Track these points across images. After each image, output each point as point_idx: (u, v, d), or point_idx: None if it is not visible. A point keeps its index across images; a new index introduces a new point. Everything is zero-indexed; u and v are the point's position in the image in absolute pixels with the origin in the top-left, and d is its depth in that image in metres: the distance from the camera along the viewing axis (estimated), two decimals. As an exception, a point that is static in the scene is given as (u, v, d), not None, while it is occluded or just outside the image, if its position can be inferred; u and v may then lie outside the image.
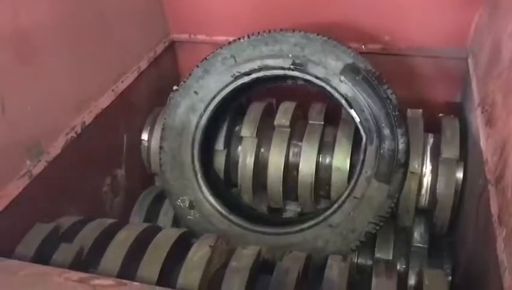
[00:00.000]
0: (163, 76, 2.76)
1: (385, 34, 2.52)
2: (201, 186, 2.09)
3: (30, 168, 1.73)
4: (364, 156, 1.93)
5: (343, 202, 1.95)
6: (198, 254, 1.33)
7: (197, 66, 2.12)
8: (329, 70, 1.95)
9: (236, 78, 2.06)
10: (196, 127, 2.11)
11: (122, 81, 2.30)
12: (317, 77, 1.98)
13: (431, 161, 2.12)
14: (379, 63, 2.56)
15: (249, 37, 2.02)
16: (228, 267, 1.33)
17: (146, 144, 2.50)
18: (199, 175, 2.10)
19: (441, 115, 2.25)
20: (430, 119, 2.24)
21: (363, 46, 2.57)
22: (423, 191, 2.13)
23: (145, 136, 2.51)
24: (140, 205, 2.40)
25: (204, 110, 2.11)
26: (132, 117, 2.45)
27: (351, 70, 1.92)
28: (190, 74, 2.13)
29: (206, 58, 2.11)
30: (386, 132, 1.90)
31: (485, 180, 1.65)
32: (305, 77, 2.01)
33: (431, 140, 2.18)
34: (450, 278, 2.01)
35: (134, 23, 2.45)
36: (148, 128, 2.51)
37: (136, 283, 1.08)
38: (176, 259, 1.37)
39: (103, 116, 2.14)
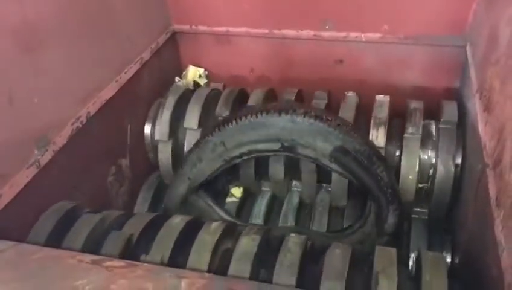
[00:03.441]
0: (166, 67, 2.79)
1: (384, 22, 2.54)
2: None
3: (38, 157, 1.77)
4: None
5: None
6: (207, 237, 1.37)
7: (190, 152, 2.12)
8: (318, 152, 1.93)
9: (227, 162, 2.07)
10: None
11: (125, 72, 2.33)
12: (307, 157, 1.98)
13: (430, 147, 2.16)
14: (378, 51, 2.63)
15: (236, 122, 1.95)
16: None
17: (149, 135, 2.54)
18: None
19: (440, 101, 2.28)
20: (429, 106, 2.27)
21: (362, 35, 2.60)
22: (422, 177, 2.17)
23: (148, 127, 2.54)
24: (146, 193, 2.45)
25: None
26: (135, 108, 2.48)
27: (340, 153, 1.89)
28: (185, 162, 2.14)
29: (198, 144, 2.09)
30: (378, 209, 1.95)
31: (483, 164, 1.68)
32: (296, 157, 2.02)
33: (429, 127, 2.21)
34: (449, 260, 2.06)
35: (137, 15, 2.47)
36: (152, 118, 2.54)
37: (146, 264, 1.12)
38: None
39: (107, 106, 2.17)
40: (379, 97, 2.28)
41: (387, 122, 2.17)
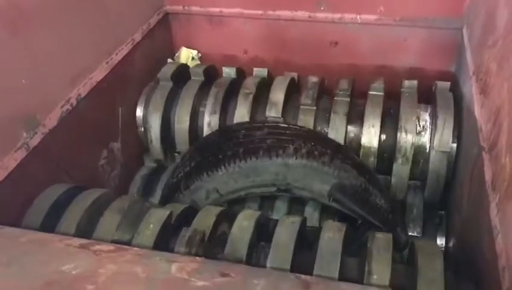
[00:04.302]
0: (158, 48, 2.74)
1: (380, 4, 2.51)
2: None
3: (27, 140, 1.73)
4: None
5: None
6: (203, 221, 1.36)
7: (178, 191, 1.97)
8: (315, 193, 1.86)
9: (224, 205, 1.98)
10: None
11: (116, 54, 2.28)
12: (306, 197, 1.93)
13: (425, 131, 2.14)
14: (374, 33, 2.59)
15: (226, 168, 1.83)
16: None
17: (141, 118, 2.50)
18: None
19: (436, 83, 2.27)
20: (425, 88, 2.25)
21: (358, 17, 2.56)
22: (417, 161, 2.15)
23: (140, 110, 2.50)
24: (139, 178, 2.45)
25: None
26: (127, 90, 2.44)
27: (337, 191, 1.81)
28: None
29: (186, 183, 1.93)
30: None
31: (479, 147, 1.67)
32: (293, 197, 1.97)
33: (425, 110, 2.19)
34: (443, 246, 2.05)
35: (128, -5, 2.42)
36: (143, 101, 2.50)
37: (135, 248, 1.10)
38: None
39: (98, 89, 2.13)
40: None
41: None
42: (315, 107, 2.22)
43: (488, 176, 1.52)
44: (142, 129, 2.50)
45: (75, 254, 1.04)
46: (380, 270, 1.28)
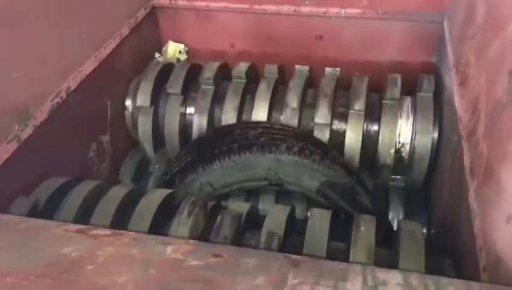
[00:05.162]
0: (145, 42, 2.77)
1: (364, -2, 2.57)
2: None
3: (18, 132, 1.76)
4: None
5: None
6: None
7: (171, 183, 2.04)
8: (305, 188, 1.95)
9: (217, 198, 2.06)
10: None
11: (105, 47, 2.31)
12: (296, 191, 2.01)
13: (407, 121, 2.21)
14: (357, 27, 2.65)
15: (221, 163, 1.91)
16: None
17: (130, 111, 2.53)
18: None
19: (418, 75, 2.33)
20: (408, 80, 2.32)
21: (342, 11, 2.62)
22: (400, 150, 2.22)
23: (128, 103, 2.53)
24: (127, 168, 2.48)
25: None
26: (115, 83, 2.47)
27: (326, 188, 1.91)
28: None
29: (182, 177, 2.00)
30: None
31: (459, 136, 1.73)
32: (284, 189, 2.04)
33: (408, 101, 2.26)
34: (425, 229, 2.13)
35: (115, -11, 2.44)
36: (132, 94, 2.52)
37: (131, 233, 1.14)
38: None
39: (87, 82, 2.16)
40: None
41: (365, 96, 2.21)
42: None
43: (467, 162, 1.59)
44: (131, 124, 2.53)
45: (74, 238, 1.08)
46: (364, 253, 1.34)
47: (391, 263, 1.30)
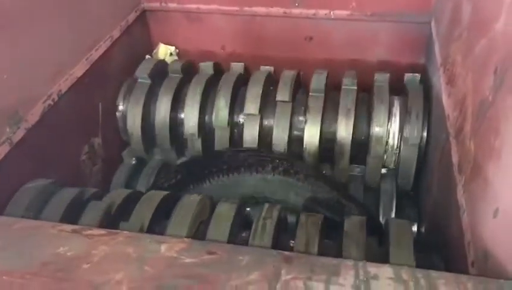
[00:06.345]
0: (136, 45, 2.78)
1: (352, 0, 2.59)
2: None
3: (10, 135, 1.76)
4: None
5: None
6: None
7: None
8: (291, 204, 1.99)
9: None
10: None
11: (95, 50, 2.32)
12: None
13: (396, 122, 2.24)
14: (346, 28, 2.68)
15: (210, 182, 2.07)
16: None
17: (121, 113, 2.54)
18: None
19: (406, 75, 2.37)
20: (396, 80, 2.35)
21: (331, 13, 2.65)
22: (389, 151, 2.25)
23: (119, 106, 2.54)
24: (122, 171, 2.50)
25: None
26: (106, 86, 2.47)
27: (312, 204, 1.96)
28: None
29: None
30: None
31: (447, 134, 1.77)
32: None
33: (396, 102, 2.29)
34: (415, 228, 2.16)
35: (105, -8, 2.45)
36: (123, 97, 2.53)
37: (126, 232, 1.15)
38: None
39: (78, 84, 2.16)
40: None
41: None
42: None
43: (455, 160, 1.62)
44: (122, 126, 2.54)
45: (68, 238, 1.09)
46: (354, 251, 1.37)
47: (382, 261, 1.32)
